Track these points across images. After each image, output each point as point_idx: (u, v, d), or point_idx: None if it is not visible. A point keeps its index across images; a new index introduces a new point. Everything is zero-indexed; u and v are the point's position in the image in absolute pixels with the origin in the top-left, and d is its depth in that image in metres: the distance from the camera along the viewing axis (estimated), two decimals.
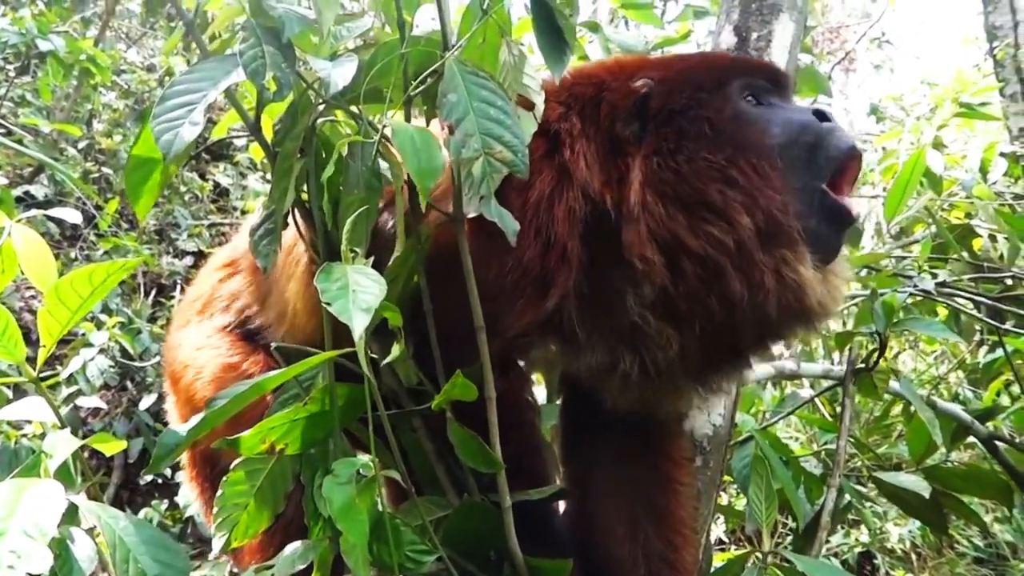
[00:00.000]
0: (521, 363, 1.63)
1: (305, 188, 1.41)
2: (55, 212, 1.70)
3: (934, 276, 2.46)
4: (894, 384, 2.04)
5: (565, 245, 1.43)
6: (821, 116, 1.51)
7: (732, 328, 1.44)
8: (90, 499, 1.24)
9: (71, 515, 1.18)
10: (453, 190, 1.35)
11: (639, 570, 1.65)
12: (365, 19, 1.47)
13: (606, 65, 1.67)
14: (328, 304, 1.10)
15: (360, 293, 1.11)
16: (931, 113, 5.75)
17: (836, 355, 4.47)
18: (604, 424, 1.70)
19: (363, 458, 1.29)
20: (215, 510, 1.33)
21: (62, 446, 1.21)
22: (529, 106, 1.36)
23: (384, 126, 1.30)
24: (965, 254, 3.32)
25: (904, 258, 3.40)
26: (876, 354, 1.94)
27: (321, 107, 1.37)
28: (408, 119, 1.39)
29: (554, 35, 1.34)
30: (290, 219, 1.43)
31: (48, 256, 1.64)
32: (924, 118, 5.14)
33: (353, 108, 1.36)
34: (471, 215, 1.29)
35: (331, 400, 1.35)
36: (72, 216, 1.69)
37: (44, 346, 1.31)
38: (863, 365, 2.00)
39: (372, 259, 1.26)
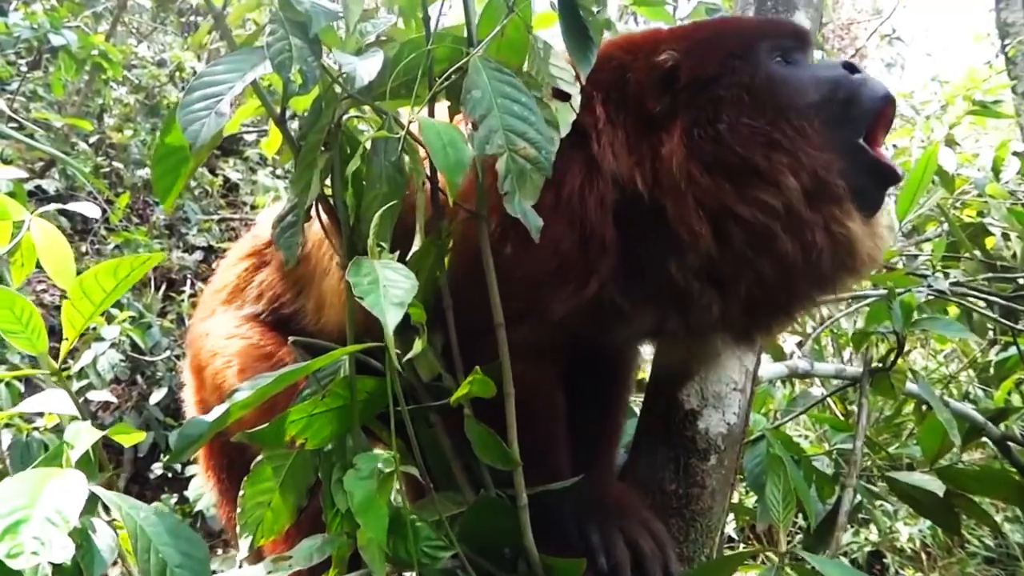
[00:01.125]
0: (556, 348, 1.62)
1: (328, 182, 1.42)
2: (74, 206, 1.71)
3: (947, 276, 2.45)
4: (911, 384, 2.04)
5: (603, 235, 1.46)
6: (851, 69, 1.53)
7: (786, 286, 1.48)
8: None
9: (91, 505, 1.19)
10: (476, 187, 1.35)
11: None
12: (388, 16, 1.47)
13: (620, 44, 1.65)
14: (360, 298, 1.10)
15: (391, 288, 1.12)
16: (942, 111, 5.75)
17: (847, 352, 4.47)
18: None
19: (382, 453, 1.29)
20: (239, 511, 1.33)
21: (83, 437, 1.22)
22: (564, 97, 1.36)
23: (410, 121, 1.30)
24: (978, 253, 3.31)
25: (916, 256, 3.39)
26: (894, 354, 1.93)
27: (345, 101, 1.37)
28: (432, 115, 1.39)
29: (579, 32, 1.34)
30: (314, 213, 1.43)
31: (66, 250, 1.65)
32: (935, 116, 5.12)
33: (378, 103, 1.37)
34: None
35: (352, 394, 1.36)
36: (91, 210, 1.69)
37: (67, 339, 1.32)
38: (880, 365, 1.99)
39: (398, 253, 1.27)
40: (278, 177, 7.35)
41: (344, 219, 1.39)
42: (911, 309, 1.85)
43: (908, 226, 3.82)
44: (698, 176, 1.43)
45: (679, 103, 1.50)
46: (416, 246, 1.35)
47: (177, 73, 7.60)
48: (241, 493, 1.33)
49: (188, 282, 6.49)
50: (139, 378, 5.58)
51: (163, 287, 6.34)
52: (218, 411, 1.21)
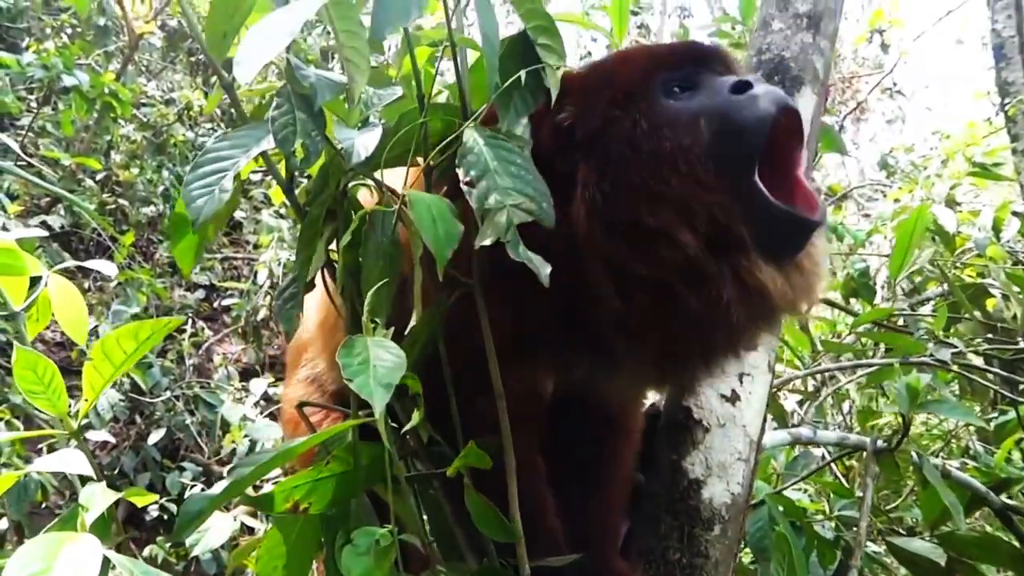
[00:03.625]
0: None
1: (333, 247, 1.44)
2: (92, 263, 1.73)
3: (950, 344, 2.46)
4: (914, 456, 2.03)
5: (540, 314, 1.43)
6: (741, 88, 1.35)
7: (696, 340, 1.38)
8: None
9: (105, 569, 1.19)
10: (473, 257, 1.36)
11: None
12: (395, 88, 1.50)
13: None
14: (349, 380, 1.12)
15: (380, 368, 1.13)
16: (942, 166, 5.80)
17: (846, 405, 4.46)
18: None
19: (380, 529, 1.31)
20: None
21: (98, 499, 1.23)
22: None
23: (404, 194, 1.32)
24: (978, 314, 3.33)
25: (916, 315, 3.40)
26: (899, 436, 1.93)
27: (350, 172, 1.39)
28: (429, 188, 1.41)
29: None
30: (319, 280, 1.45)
31: (80, 305, 1.67)
32: (936, 174, 5.18)
33: (376, 175, 1.39)
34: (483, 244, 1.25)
35: (355, 461, 1.37)
36: (108, 268, 1.72)
37: (87, 400, 1.34)
38: (886, 444, 1.99)
39: (392, 330, 1.28)
40: (281, 217, 7.39)
41: (346, 291, 1.41)
42: (917, 391, 1.85)
43: (907, 284, 3.85)
44: (597, 236, 1.35)
45: (578, 162, 1.41)
46: (414, 320, 1.36)
47: (186, 112, 7.68)
48: (256, 559, 1.35)
49: (189, 321, 6.50)
50: (138, 418, 5.57)
51: None
52: (220, 487, 1.24)
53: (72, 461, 1.28)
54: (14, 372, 1.27)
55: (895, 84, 10.07)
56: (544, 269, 1.21)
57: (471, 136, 1.30)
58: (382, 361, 1.16)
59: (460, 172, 1.27)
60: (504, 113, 1.33)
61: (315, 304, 1.94)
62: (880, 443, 1.99)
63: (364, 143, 1.31)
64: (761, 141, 1.31)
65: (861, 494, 2.83)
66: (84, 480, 1.38)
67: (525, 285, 1.26)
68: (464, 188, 1.26)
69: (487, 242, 1.23)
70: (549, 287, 1.28)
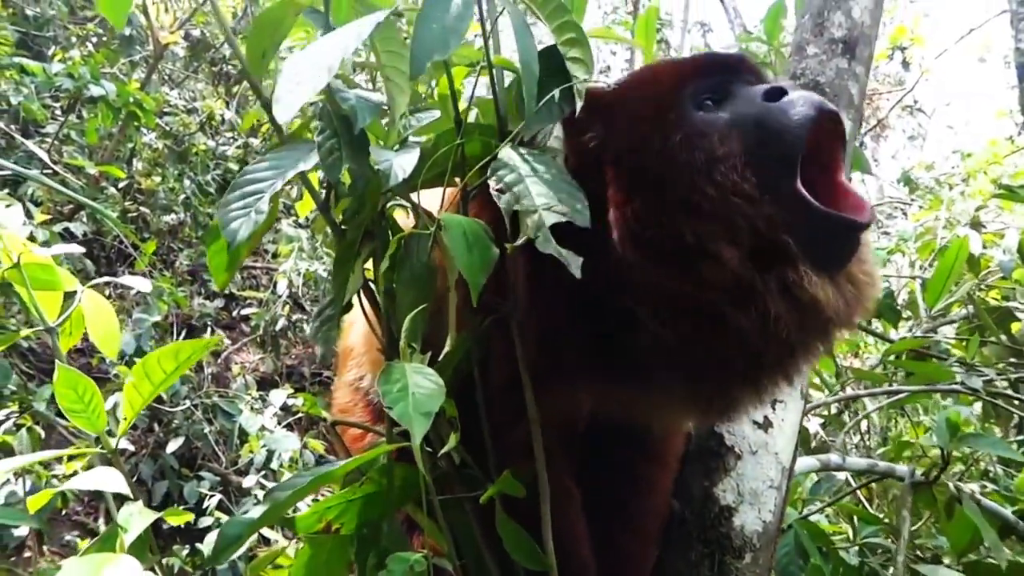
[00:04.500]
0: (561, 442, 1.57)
1: (370, 265, 1.44)
2: (127, 280, 1.75)
3: (978, 370, 2.43)
4: (952, 489, 2.01)
5: (575, 341, 1.41)
6: (775, 95, 1.30)
7: (746, 362, 1.30)
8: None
9: None
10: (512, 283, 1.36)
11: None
12: (433, 111, 1.50)
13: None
14: (389, 408, 1.12)
15: (419, 395, 1.14)
16: (964, 184, 5.76)
17: (864, 423, 4.43)
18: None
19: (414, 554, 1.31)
20: None
21: (137, 520, 1.24)
22: None
23: (439, 218, 1.32)
24: (1003, 337, 3.30)
25: (941, 339, 3.37)
26: (939, 469, 1.89)
27: (389, 192, 1.39)
28: (467, 211, 1.41)
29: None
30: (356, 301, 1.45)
31: (113, 320, 1.69)
32: (960, 194, 5.14)
33: (412, 197, 1.39)
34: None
35: (388, 482, 1.37)
36: (143, 285, 1.73)
37: (125, 418, 1.35)
38: (923, 477, 1.96)
39: (429, 355, 1.28)
40: (301, 227, 7.42)
41: (384, 313, 1.41)
42: (957, 426, 1.82)
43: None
44: (633, 258, 1.28)
45: (607, 183, 1.34)
46: (448, 345, 1.35)
47: (208, 121, 7.74)
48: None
49: (208, 329, 6.53)
50: (156, 426, 5.59)
51: (183, 333, 6.38)
52: (258, 511, 1.24)
53: (111, 480, 1.29)
54: (55, 390, 1.28)
55: (916, 102, 10.04)
56: (575, 261, 1.16)
57: (508, 154, 1.30)
58: (420, 388, 1.16)
59: (492, 181, 1.25)
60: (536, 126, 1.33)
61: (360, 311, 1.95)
62: (919, 475, 1.95)
63: (402, 164, 1.31)
64: (801, 144, 1.25)
65: (882, 516, 2.81)
66: (119, 498, 1.39)
67: (560, 311, 1.25)
68: (494, 194, 1.24)
69: (516, 242, 1.22)
70: (583, 312, 1.27)
